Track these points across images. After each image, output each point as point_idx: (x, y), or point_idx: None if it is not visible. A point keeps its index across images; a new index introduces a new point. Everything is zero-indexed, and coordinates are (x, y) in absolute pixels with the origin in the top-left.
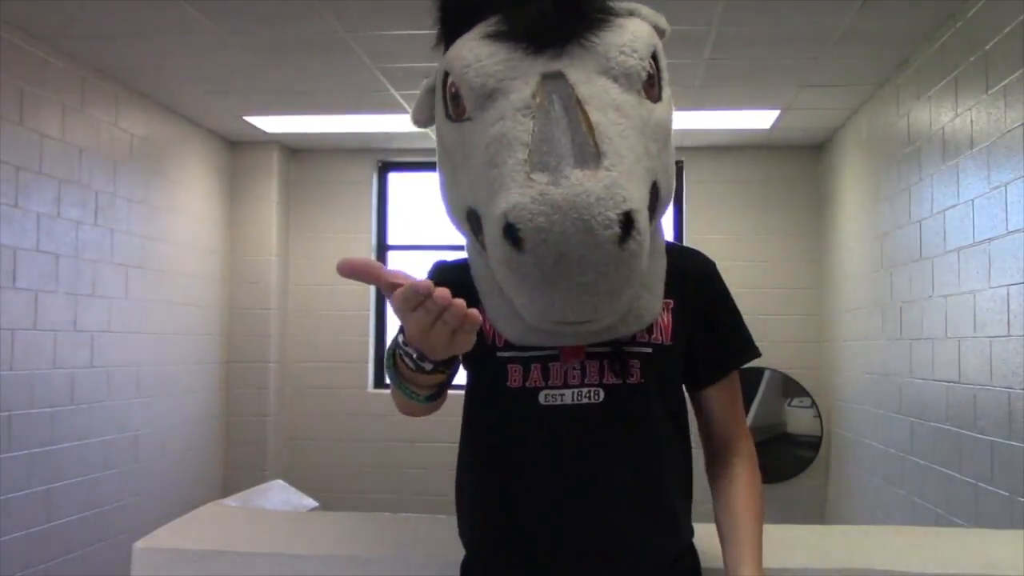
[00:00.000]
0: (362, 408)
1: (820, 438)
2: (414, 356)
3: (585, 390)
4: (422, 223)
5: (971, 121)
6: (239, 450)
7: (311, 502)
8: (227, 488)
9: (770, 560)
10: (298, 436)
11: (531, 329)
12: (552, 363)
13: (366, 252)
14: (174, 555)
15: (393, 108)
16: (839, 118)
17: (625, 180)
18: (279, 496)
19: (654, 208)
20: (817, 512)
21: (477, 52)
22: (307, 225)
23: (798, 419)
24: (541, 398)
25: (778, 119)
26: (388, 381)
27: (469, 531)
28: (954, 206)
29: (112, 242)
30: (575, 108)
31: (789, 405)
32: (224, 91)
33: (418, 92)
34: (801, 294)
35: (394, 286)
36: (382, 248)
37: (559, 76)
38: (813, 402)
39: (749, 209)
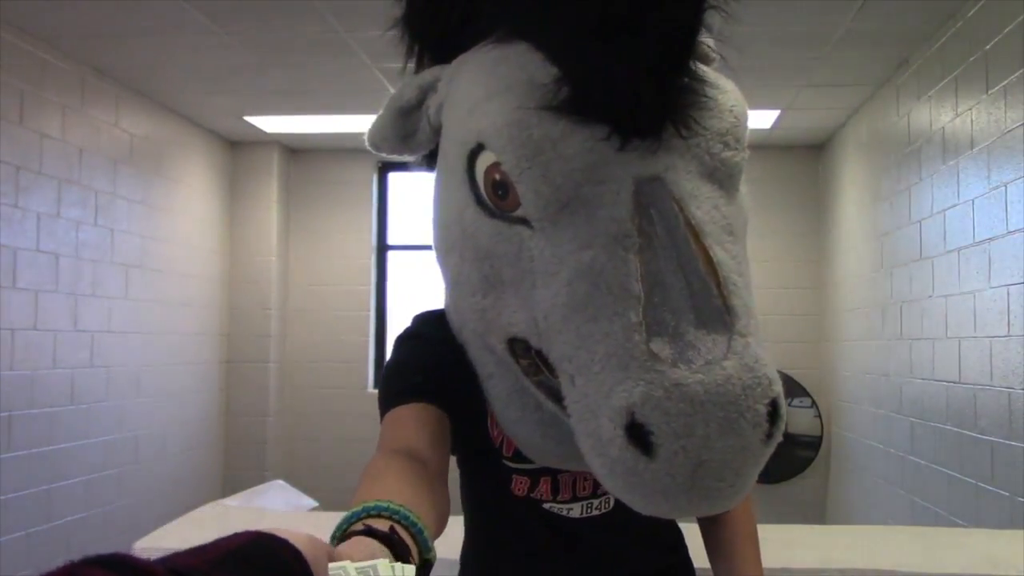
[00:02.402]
0: (362, 408)
1: (820, 438)
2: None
3: (596, 501)
4: (422, 223)
5: (971, 121)
6: (239, 450)
7: (311, 502)
8: (227, 488)
9: (770, 560)
10: (298, 436)
11: (569, 457)
12: (561, 474)
13: (366, 252)
14: None
15: None
16: (839, 118)
17: (759, 347)
18: (279, 496)
19: None
20: (817, 512)
21: (537, 135)
22: (307, 225)
23: (798, 419)
24: (546, 508)
25: (778, 119)
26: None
27: None
28: (954, 206)
29: (112, 242)
30: (686, 237)
31: (789, 405)
32: (224, 91)
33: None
34: (801, 294)
35: None
36: (382, 248)
37: (656, 182)
38: (813, 402)
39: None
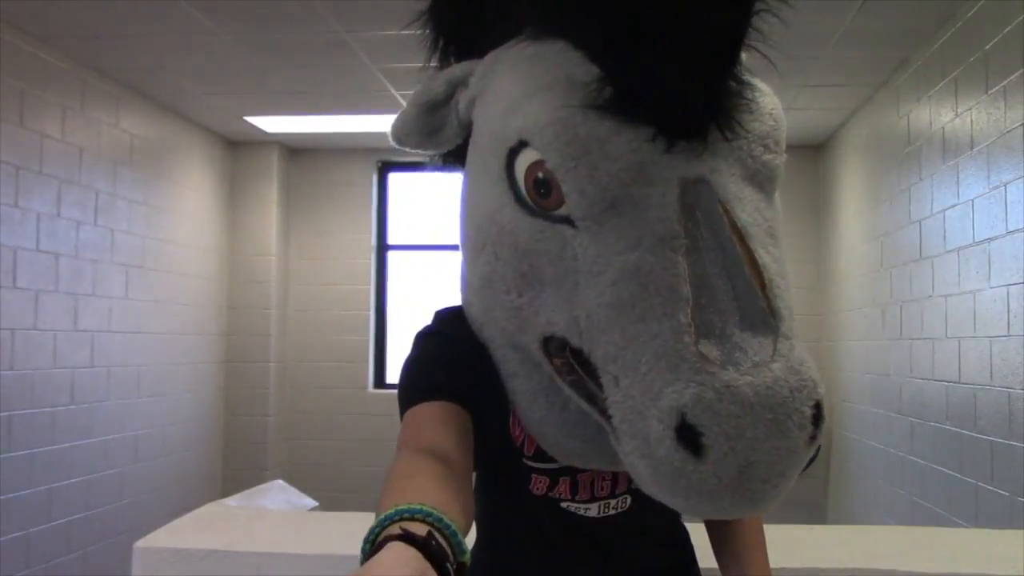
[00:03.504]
0: (362, 408)
1: None
2: None
3: (614, 501)
4: (422, 223)
5: (971, 121)
6: (239, 450)
7: (311, 502)
8: (227, 488)
9: (771, 560)
10: (298, 436)
11: (594, 457)
12: (580, 474)
13: (366, 252)
14: (174, 555)
15: (393, 108)
16: (839, 118)
17: (802, 349)
18: (279, 496)
19: None
20: (817, 512)
21: (584, 134)
22: (307, 225)
23: None
24: (564, 506)
25: None
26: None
27: None
28: (954, 206)
29: (112, 242)
30: (731, 239)
31: None
32: (224, 91)
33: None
34: (801, 294)
35: None
36: (382, 248)
37: (701, 184)
38: None
39: None
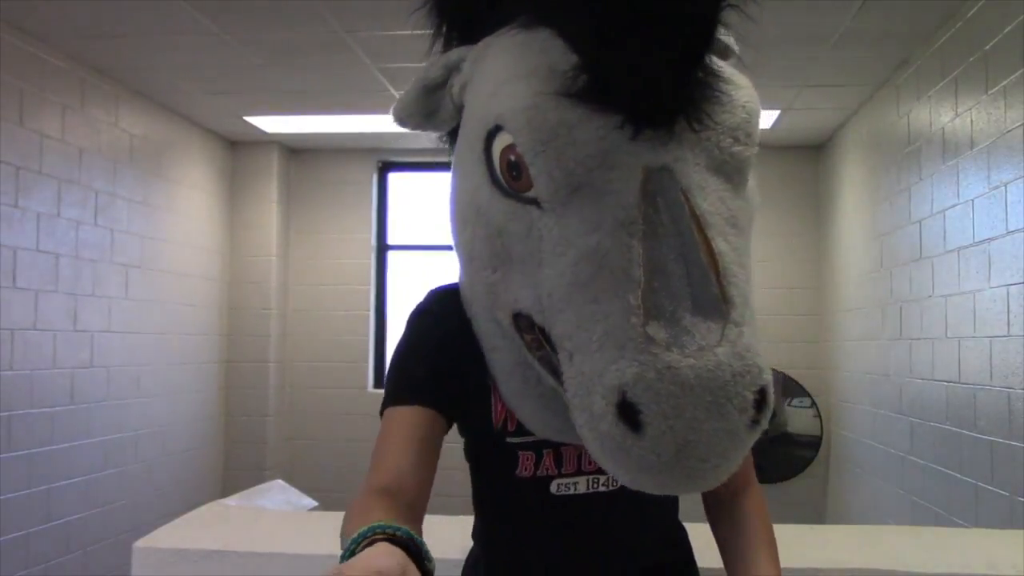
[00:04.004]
0: (362, 408)
1: (820, 438)
2: None
3: (602, 477)
4: (422, 223)
5: (971, 121)
6: (239, 450)
7: (311, 502)
8: (227, 488)
9: None
10: (298, 436)
11: (567, 431)
12: (564, 447)
13: (366, 252)
14: (174, 555)
15: None
16: (839, 118)
17: (752, 337)
18: (279, 496)
19: None
20: (817, 512)
21: (553, 120)
22: (307, 225)
23: (798, 419)
24: (553, 487)
25: (778, 119)
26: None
27: None
28: (954, 206)
29: (112, 242)
30: (690, 227)
31: (789, 405)
32: (224, 91)
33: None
34: (801, 294)
35: None
36: (382, 248)
37: (664, 172)
38: (813, 402)
39: None
